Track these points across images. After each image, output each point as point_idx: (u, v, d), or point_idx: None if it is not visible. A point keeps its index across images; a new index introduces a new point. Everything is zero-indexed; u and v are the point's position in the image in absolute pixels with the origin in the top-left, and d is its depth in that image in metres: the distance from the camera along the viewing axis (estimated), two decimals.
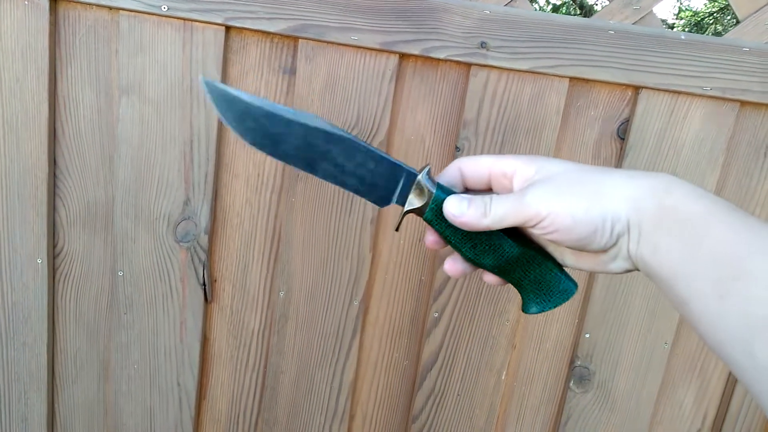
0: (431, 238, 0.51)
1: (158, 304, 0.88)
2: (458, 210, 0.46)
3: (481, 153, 0.81)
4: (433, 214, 0.48)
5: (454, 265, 0.51)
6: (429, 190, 0.48)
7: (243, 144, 0.83)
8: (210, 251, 0.87)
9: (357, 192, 0.51)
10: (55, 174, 0.85)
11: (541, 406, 0.91)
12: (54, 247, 0.88)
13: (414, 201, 0.49)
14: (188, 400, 0.92)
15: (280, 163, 0.84)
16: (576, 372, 0.87)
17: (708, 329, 0.36)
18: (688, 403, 0.90)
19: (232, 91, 0.49)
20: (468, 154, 0.80)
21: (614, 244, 0.43)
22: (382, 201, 0.51)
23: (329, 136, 0.50)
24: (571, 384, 0.88)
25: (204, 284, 0.87)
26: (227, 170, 0.85)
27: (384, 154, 0.51)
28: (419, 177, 0.49)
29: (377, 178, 0.50)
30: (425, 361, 0.88)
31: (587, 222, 0.42)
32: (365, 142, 0.53)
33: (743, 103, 0.79)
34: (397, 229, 0.55)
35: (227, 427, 0.94)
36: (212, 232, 0.86)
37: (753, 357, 0.32)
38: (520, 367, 0.90)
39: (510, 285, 0.52)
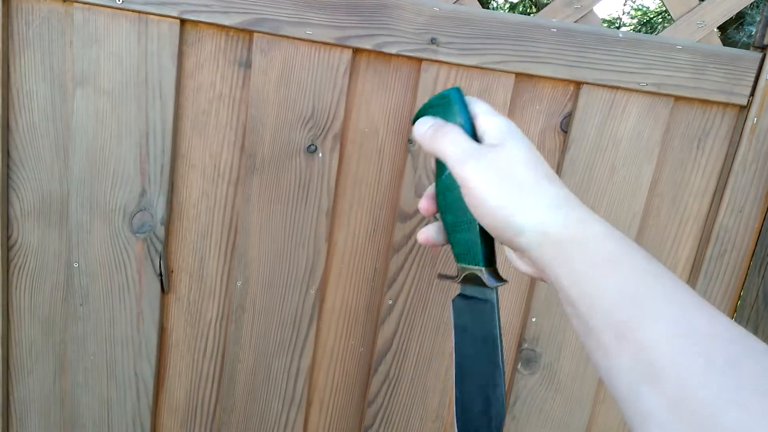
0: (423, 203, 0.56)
1: (115, 296, 0.89)
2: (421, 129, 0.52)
3: None
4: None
5: (426, 233, 0.56)
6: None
7: (199, 135, 0.85)
8: (166, 242, 0.88)
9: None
10: (8, 166, 0.85)
11: None
12: (8, 239, 0.88)
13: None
14: (146, 390, 0.92)
15: (237, 155, 0.85)
16: (523, 354, 0.91)
17: (601, 362, 0.37)
18: None
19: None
20: (419, 147, 0.83)
21: (523, 253, 0.44)
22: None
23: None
24: (519, 366, 0.92)
25: (161, 275, 0.88)
26: (183, 162, 0.86)
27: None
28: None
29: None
30: (380, 348, 0.91)
31: (494, 216, 0.44)
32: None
33: (677, 98, 0.83)
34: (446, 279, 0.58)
35: (185, 416, 0.95)
36: (169, 223, 0.87)
37: (638, 400, 0.33)
38: None
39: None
